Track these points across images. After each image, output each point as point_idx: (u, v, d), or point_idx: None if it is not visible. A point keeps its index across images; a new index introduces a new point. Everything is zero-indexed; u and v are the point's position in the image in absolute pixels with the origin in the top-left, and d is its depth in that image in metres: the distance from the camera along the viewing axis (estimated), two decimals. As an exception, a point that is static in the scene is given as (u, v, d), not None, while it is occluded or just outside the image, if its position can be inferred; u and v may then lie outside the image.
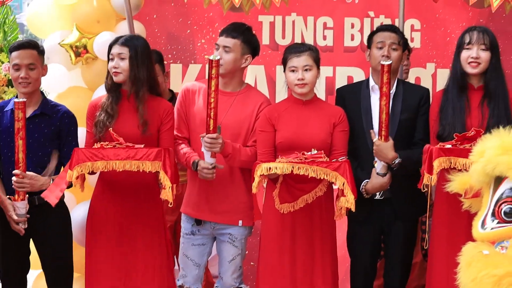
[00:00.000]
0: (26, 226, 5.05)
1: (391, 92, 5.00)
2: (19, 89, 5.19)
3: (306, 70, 4.96)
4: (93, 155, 4.80)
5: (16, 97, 5.22)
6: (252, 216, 5.17)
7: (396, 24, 6.19)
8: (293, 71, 4.97)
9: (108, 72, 5.10)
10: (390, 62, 4.84)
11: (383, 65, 4.79)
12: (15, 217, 5.02)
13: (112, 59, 5.05)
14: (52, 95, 5.95)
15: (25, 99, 4.93)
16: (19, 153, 4.92)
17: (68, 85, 6.27)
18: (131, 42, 5.09)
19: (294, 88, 5.01)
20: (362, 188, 5.04)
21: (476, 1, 5.17)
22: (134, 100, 5.04)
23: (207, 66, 6.15)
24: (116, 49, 5.04)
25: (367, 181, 5.05)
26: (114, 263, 5.08)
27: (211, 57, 4.78)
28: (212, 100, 4.77)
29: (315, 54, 5.03)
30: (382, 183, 5.02)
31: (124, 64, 5.01)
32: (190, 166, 5.05)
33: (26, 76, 5.15)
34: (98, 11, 6.16)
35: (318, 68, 5.03)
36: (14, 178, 4.97)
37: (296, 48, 5.05)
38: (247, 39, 5.14)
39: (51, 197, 4.92)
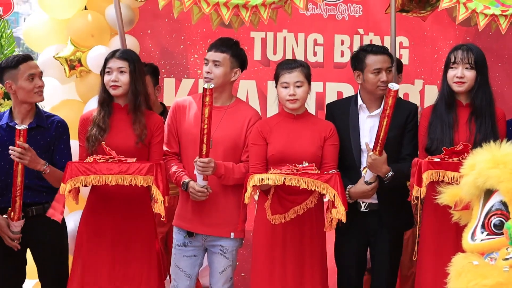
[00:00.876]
0: (20, 241, 5.06)
1: (379, 110, 5.06)
2: (35, 99, 5.19)
3: (297, 86, 4.97)
4: (86, 169, 4.80)
5: (10, 112, 5.22)
6: (244, 228, 5.16)
7: (386, 42, 6.23)
8: (285, 87, 4.99)
9: (103, 85, 5.06)
10: (398, 88, 4.82)
11: (390, 89, 4.77)
12: (11, 234, 5.02)
13: (110, 73, 5.02)
14: (45, 108, 5.91)
15: (27, 127, 4.88)
16: (18, 176, 4.91)
17: (61, 98, 6.27)
18: (130, 56, 5.10)
19: (286, 103, 5.02)
20: (346, 191, 5.00)
21: (463, 20, 5.16)
22: (130, 113, 5.03)
23: (199, 81, 6.22)
24: (115, 63, 5.03)
25: (352, 186, 5.06)
26: (104, 273, 5.05)
27: (205, 86, 4.78)
28: (205, 126, 4.78)
29: (307, 70, 5.04)
30: (365, 190, 5.03)
31: (124, 78, 5.00)
32: (180, 185, 5.07)
33: (42, 84, 5.20)
34: (92, 26, 6.17)
35: (309, 84, 5.04)
36: (17, 149, 4.87)
37: (288, 65, 5.06)
38: (236, 53, 5.15)
39: (57, 215, 4.89)
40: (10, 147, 4.90)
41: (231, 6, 5.05)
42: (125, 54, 5.09)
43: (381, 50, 5.19)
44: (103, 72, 5.08)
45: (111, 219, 5.06)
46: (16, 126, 4.88)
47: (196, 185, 4.97)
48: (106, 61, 5.08)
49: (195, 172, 4.94)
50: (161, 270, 5.24)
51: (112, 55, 5.08)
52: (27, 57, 5.24)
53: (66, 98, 6.29)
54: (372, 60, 5.12)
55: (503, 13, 5.10)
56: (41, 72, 5.24)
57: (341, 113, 5.22)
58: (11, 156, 4.90)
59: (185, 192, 5.10)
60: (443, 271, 3.70)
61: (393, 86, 4.79)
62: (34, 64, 5.23)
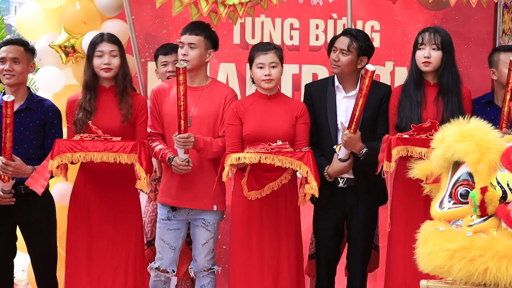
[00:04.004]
0: (13, 198, 4.97)
1: (354, 91, 5.02)
2: (3, 81, 5.12)
3: (272, 66, 4.93)
4: (73, 147, 4.73)
5: (3, 93, 5.12)
6: (224, 201, 5.13)
7: (358, 25, 6.19)
8: (260, 67, 4.94)
9: (91, 68, 4.95)
10: (374, 69, 4.76)
11: (367, 70, 4.73)
12: (1, 193, 4.92)
13: (101, 56, 4.92)
14: (48, 95, 5.80)
15: (13, 97, 4.76)
16: (7, 143, 4.79)
17: (63, 83, 6.12)
18: (118, 39, 5.05)
19: (261, 83, 4.96)
20: (324, 172, 4.97)
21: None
22: (118, 94, 4.96)
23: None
24: (106, 47, 4.94)
25: (329, 166, 5.00)
26: (94, 248, 5.01)
27: (177, 65, 4.71)
28: (182, 103, 4.71)
29: (280, 52, 5.01)
30: (343, 167, 4.97)
31: (116, 61, 4.93)
32: (166, 162, 5.01)
33: (9, 68, 5.07)
34: (83, 13, 6.02)
35: (282, 66, 5.00)
36: None
37: (263, 46, 5.03)
38: (209, 35, 5.10)
39: (36, 186, 4.82)
40: None
41: (210, 2, 5.01)
42: (114, 38, 5.02)
43: (344, 32, 5.19)
44: (92, 56, 4.96)
45: (99, 196, 5.01)
46: (3, 97, 4.77)
47: (178, 159, 4.91)
48: (95, 44, 4.97)
49: (176, 147, 4.87)
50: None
51: (102, 39, 4.97)
52: (10, 41, 5.20)
53: (67, 83, 6.14)
54: (336, 40, 5.12)
55: None
56: (15, 58, 5.10)
57: (319, 93, 5.16)
58: None
59: (169, 170, 5.04)
60: (413, 240, 3.71)
61: (369, 67, 4.74)
62: (12, 49, 5.12)
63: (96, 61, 4.93)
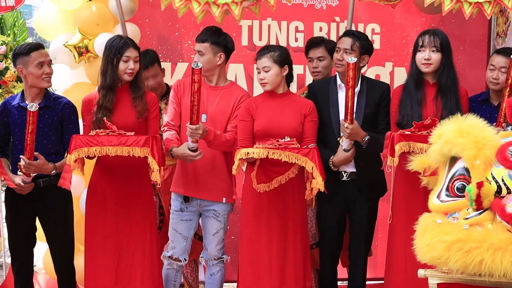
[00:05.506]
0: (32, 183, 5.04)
1: (356, 89, 5.06)
2: (43, 84, 5.13)
3: (265, 71, 5.01)
4: (89, 141, 4.78)
5: (21, 94, 5.18)
6: (234, 194, 5.18)
7: (360, 28, 6.24)
8: (258, 72, 5.06)
9: (114, 71, 4.97)
10: (355, 60, 4.81)
11: (348, 63, 4.78)
12: (23, 184, 5.00)
13: (127, 61, 4.98)
14: (58, 92, 5.88)
15: (37, 106, 4.77)
16: (29, 145, 4.82)
17: (72, 81, 6.18)
18: (138, 45, 5.12)
19: (260, 85, 5.09)
20: (330, 162, 5.06)
21: (428, 4, 5.13)
22: (133, 92, 5.02)
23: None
24: (132, 53, 5.00)
25: (333, 156, 5.07)
26: (111, 238, 5.06)
27: (193, 66, 4.76)
28: (194, 99, 4.76)
29: (277, 55, 5.02)
30: (346, 157, 5.04)
31: (137, 66, 5.02)
32: (168, 150, 5.07)
33: (50, 71, 5.14)
34: (97, 15, 6.07)
35: (282, 66, 5.02)
36: (22, 162, 4.88)
37: (260, 52, 5.10)
38: (215, 40, 5.13)
39: (66, 184, 4.87)
40: (21, 157, 4.89)
41: (202, 2, 4.94)
42: (135, 43, 5.09)
43: (345, 33, 5.26)
44: (117, 60, 4.98)
45: (114, 189, 5.06)
46: (28, 107, 4.77)
47: (187, 145, 4.94)
48: (122, 49, 4.98)
49: (187, 134, 4.92)
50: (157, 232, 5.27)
51: (128, 44, 5.01)
52: (38, 46, 5.19)
53: (76, 81, 6.19)
54: (339, 41, 5.21)
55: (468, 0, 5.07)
56: (50, 61, 5.19)
57: (322, 92, 5.23)
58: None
59: (183, 162, 5.09)
60: (413, 231, 3.74)
61: (350, 59, 4.80)
62: (45, 53, 5.17)
63: (122, 66, 4.97)
